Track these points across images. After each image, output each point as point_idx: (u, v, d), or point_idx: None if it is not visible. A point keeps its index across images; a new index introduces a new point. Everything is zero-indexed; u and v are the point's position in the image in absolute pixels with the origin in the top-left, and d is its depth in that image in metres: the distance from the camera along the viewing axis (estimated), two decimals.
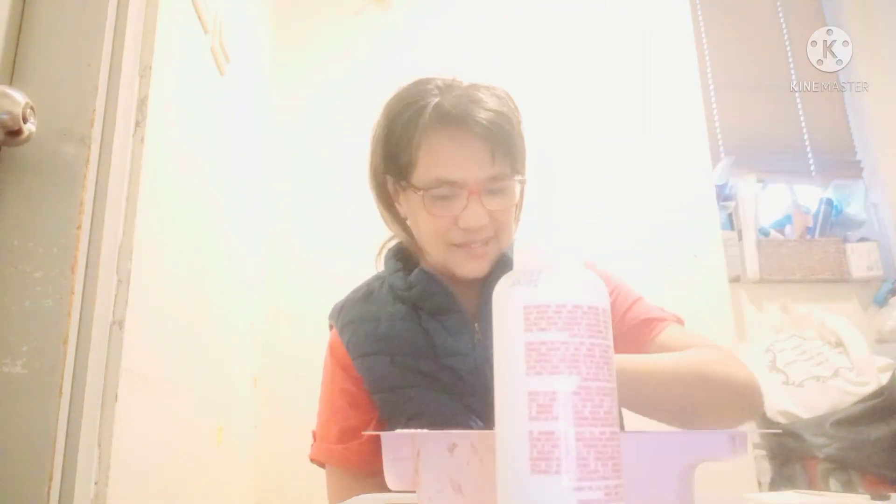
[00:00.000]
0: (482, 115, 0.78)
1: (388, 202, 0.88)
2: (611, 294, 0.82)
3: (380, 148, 0.85)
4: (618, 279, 0.89)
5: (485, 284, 0.84)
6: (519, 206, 0.87)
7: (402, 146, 0.81)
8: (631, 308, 0.84)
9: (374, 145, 0.87)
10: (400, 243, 0.93)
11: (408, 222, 0.87)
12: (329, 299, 0.95)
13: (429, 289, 0.85)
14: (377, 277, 0.94)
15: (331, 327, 0.93)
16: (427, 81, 0.84)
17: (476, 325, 0.84)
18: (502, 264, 0.84)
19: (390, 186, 0.86)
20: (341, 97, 2.04)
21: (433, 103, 0.80)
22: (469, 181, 0.78)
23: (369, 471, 0.83)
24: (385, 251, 0.95)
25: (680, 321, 0.86)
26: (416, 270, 0.86)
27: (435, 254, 0.83)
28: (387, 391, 0.83)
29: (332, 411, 0.89)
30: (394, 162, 0.83)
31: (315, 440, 0.90)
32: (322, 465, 0.88)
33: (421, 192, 0.79)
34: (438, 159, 0.79)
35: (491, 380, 0.76)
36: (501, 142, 0.79)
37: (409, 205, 0.84)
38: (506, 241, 0.84)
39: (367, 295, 0.91)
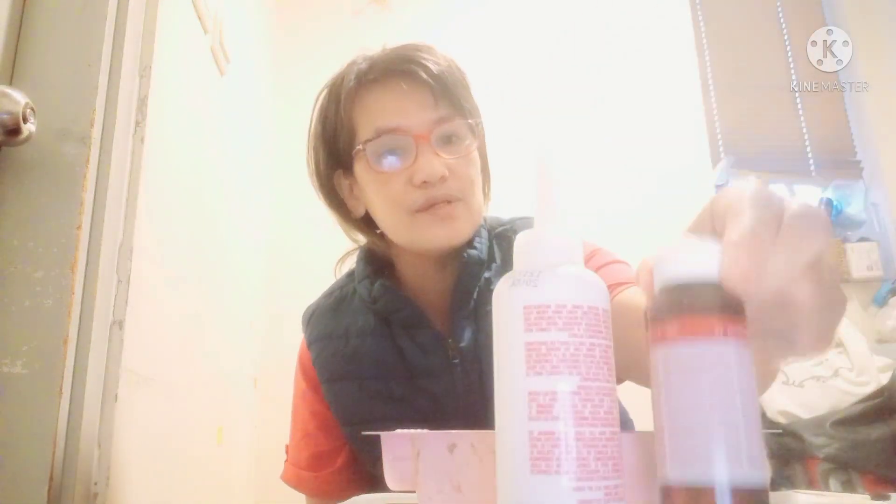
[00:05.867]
0: (415, 64, 0.70)
1: (339, 203, 0.80)
2: (589, 256, 0.75)
3: (318, 141, 0.78)
4: (593, 245, 0.80)
5: (454, 295, 0.76)
6: (485, 172, 0.78)
7: (339, 124, 0.73)
8: (600, 270, 0.74)
9: (313, 141, 0.79)
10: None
11: (369, 212, 0.77)
12: None
13: (393, 303, 0.76)
14: (350, 279, 0.85)
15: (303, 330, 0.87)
16: (352, 61, 0.77)
17: (450, 340, 0.75)
18: (469, 272, 0.76)
19: (339, 182, 0.79)
20: None
21: (356, 68, 0.73)
22: (413, 125, 0.69)
23: (343, 497, 0.80)
24: (345, 260, 0.88)
25: None
26: (377, 284, 0.77)
27: (400, 232, 0.73)
28: (356, 424, 0.75)
29: (303, 433, 0.84)
30: (334, 148, 0.75)
31: (287, 458, 0.86)
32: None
33: (365, 150, 0.70)
34: (374, 111, 0.71)
35: (469, 403, 0.75)
36: (442, 84, 0.70)
37: (362, 186, 0.74)
38: (474, 205, 0.73)
39: (337, 303, 0.83)
